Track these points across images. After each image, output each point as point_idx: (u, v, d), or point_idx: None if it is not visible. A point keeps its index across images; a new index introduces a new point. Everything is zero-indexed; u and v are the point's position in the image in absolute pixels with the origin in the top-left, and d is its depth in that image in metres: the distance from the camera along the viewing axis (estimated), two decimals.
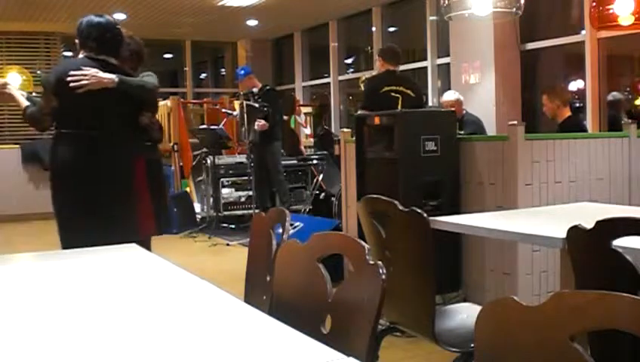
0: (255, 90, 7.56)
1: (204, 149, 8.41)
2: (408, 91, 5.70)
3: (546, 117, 5.87)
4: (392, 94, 5.64)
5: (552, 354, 1.07)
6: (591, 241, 1.80)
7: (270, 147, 7.36)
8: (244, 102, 7.39)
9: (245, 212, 8.13)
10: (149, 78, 3.58)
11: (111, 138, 3.37)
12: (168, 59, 13.93)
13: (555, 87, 6.42)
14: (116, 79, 3.29)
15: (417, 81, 9.94)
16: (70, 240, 3.23)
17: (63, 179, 3.36)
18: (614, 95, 7.13)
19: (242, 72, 7.66)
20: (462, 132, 5.42)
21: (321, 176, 7.95)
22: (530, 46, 7.63)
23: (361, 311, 1.40)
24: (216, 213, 8.10)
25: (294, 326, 1.32)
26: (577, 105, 6.77)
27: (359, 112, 5.92)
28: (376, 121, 4.49)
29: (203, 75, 14.30)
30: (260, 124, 7.16)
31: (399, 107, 5.50)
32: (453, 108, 5.67)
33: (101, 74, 3.28)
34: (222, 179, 8.20)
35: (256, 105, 7.16)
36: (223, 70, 14.06)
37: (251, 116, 7.27)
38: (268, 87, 7.62)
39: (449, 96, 6.49)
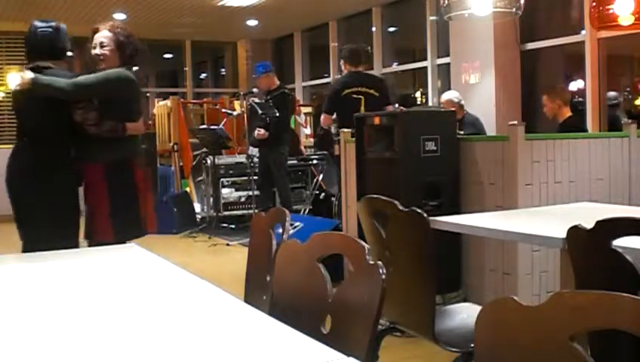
0: (255, 90, 7.49)
1: (204, 149, 8.41)
2: (371, 91, 5.70)
3: (546, 117, 5.87)
4: (354, 96, 5.65)
5: (552, 354, 1.07)
6: (591, 241, 1.80)
7: (277, 152, 7.08)
8: (251, 100, 7.17)
9: (245, 212, 8.13)
10: (105, 72, 3.50)
11: (36, 144, 3.41)
12: (168, 59, 13.92)
13: (556, 87, 6.42)
14: (28, 79, 3.31)
15: (417, 81, 10.00)
16: (25, 244, 3.36)
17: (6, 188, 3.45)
18: (612, 95, 7.14)
19: (260, 68, 7.18)
20: (461, 132, 5.43)
21: (321, 176, 7.94)
22: (530, 46, 7.62)
23: (361, 311, 1.40)
24: (216, 213, 8.10)
25: (294, 326, 1.32)
26: (580, 107, 6.76)
27: (322, 117, 5.96)
28: (376, 121, 4.50)
29: (203, 75, 14.30)
30: (259, 133, 6.88)
31: (362, 108, 5.52)
32: (453, 109, 5.67)
33: (28, 74, 3.33)
34: (222, 179, 8.20)
35: (260, 110, 6.92)
36: (223, 70, 14.06)
37: (252, 119, 7.13)
38: (282, 90, 7.19)
39: (447, 96, 6.49)
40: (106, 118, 3.47)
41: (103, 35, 3.54)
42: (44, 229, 3.30)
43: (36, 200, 3.36)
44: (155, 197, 8.04)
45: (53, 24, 3.52)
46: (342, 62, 5.95)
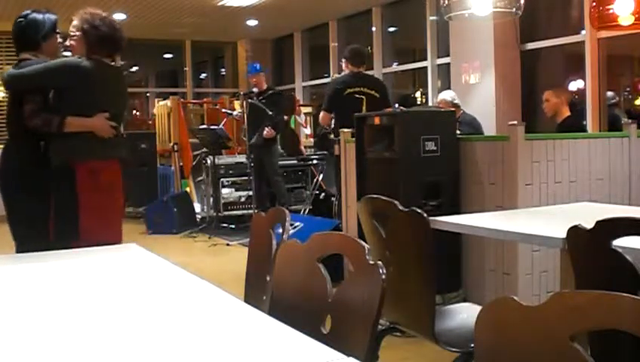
0: (255, 89, 7.55)
1: (204, 149, 8.41)
2: (372, 92, 5.75)
3: (546, 117, 5.87)
4: (356, 96, 5.68)
5: (552, 354, 1.07)
6: (591, 241, 1.80)
7: (269, 150, 7.38)
8: (249, 101, 7.31)
9: (245, 212, 8.13)
10: (49, 61, 3.29)
11: (12, 141, 3.34)
12: (168, 59, 13.92)
13: (560, 86, 6.44)
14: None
15: (417, 81, 9.99)
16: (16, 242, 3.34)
17: None
18: (609, 95, 7.14)
19: (255, 68, 7.61)
20: (458, 132, 5.43)
21: (321, 176, 7.95)
22: (530, 46, 7.62)
23: (361, 311, 1.40)
24: (216, 213, 8.10)
25: (294, 326, 1.32)
26: (578, 107, 6.76)
27: (321, 114, 5.97)
28: (376, 121, 4.50)
29: (203, 75, 14.30)
30: (268, 132, 7.16)
31: (364, 108, 5.55)
32: (453, 109, 5.67)
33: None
34: (222, 179, 8.20)
35: (270, 112, 7.07)
36: (223, 70, 14.06)
37: (258, 119, 7.19)
38: (272, 91, 7.58)
39: (442, 96, 6.49)
40: (55, 111, 3.19)
41: (72, 25, 3.35)
42: (27, 227, 3.25)
43: (19, 198, 3.29)
44: (152, 200, 8.05)
45: (28, 15, 3.41)
46: (344, 61, 5.97)
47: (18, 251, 3.21)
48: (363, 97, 5.68)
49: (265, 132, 7.15)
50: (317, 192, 7.75)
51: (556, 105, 5.59)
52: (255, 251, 2.22)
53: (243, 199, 8.31)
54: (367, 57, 6.20)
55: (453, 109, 5.43)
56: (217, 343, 1.30)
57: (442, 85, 8.82)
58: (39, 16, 3.42)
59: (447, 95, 6.44)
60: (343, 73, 6.08)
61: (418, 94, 9.99)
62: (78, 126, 3.20)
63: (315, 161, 8.27)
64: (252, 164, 7.44)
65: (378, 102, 5.65)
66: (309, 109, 10.56)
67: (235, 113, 8.32)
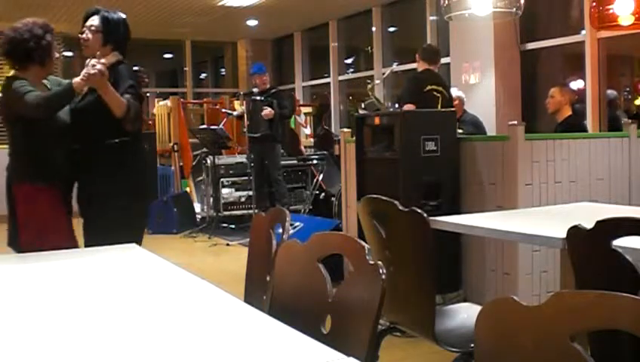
0: (255, 90, 7.58)
1: (204, 149, 8.41)
2: (445, 91, 5.70)
3: (546, 117, 5.88)
4: (434, 93, 5.62)
5: (552, 354, 1.07)
6: (591, 241, 1.80)
7: (271, 148, 7.40)
8: (251, 98, 7.49)
9: (245, 212, 8.13)
10: None
11: None
12: (168, 59, 13.92)
13: (562, 86, 6.44)
14: None
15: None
16: None
17: None
18: (608, 93, 7.14)
19: (255, 68, 7.78)
20: (460, 130, 5.42)
21: (321, 176, 7.95)
22: (530, 46, 7.62)
23: (361, 311, 1.40)
24: (216, 213, 8.10)
25: (294, 326, 1.32)
26: (579, 112, 6.76)
27: (407, 106, 5.79)
28: (377, 121, 4.50)
29: (203, 75, 14.30)
30: (266, 111, 7.25)
31: (439, 106, 5.47)
32: (454, 109, 5.65)
33: None
34: (222, 179, 8.20)
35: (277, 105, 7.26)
36: (223, 70, 14.06)
37: (256, 110, 7.33)
38: (274, 90, 7.71)
39: (458, 93, 6.48)
40: None
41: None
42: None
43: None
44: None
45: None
46: (419, 58, 5.79)
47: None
48: (439, 95, 5.61)
49: (263, 113, 7.25)
50: (317, 192, 7.74)
51: (560, 103, 5.61)
52: (255, 251, 2.22)
53: (243, 199, 8.31)
54: (440, 56, 6.11)
55: (454, 109, 5.42)
56: (217, 343, 1.30)
57: None
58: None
59: (460, 92, 6.44)
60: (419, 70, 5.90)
61: None
62: None
63: (315, 161, 8.27)
64: (252, 164, 7.45)
65: (448, 102, 5.58)
66: (309, 109, 10.55)
67: (235, 113, 8.33)
